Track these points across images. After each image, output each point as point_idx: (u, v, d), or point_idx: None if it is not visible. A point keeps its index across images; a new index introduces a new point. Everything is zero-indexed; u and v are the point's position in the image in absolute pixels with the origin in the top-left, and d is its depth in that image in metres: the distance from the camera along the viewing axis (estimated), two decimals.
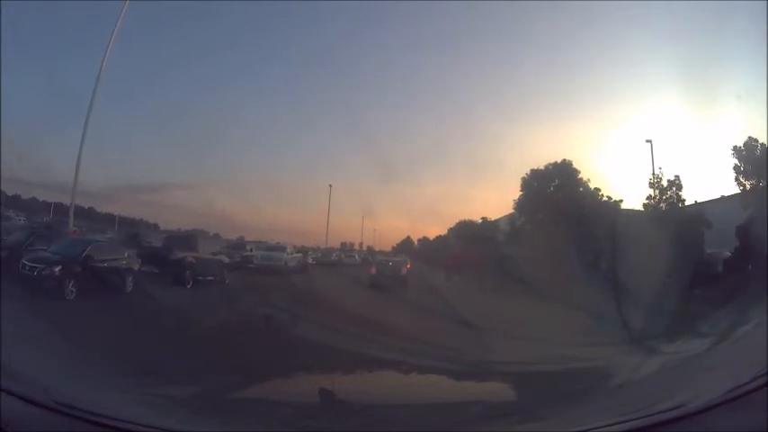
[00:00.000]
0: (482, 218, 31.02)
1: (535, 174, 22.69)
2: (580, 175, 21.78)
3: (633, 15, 32.73)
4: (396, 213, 70.95)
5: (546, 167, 22.42)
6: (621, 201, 20.22)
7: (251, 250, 24.00)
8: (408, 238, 49.03)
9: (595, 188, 20.76)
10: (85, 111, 16.82)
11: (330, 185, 38.93)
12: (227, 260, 16.47)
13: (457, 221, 36.31)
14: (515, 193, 22.74)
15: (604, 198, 20.42)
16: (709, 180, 30.65)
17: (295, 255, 24.65)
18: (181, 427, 1.76)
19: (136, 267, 11.49)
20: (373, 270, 19.37)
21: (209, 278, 14.19)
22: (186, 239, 16.80)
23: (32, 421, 1.53)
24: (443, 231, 41.04)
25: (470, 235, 30.54)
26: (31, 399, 1.60)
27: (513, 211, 24.18)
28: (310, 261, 27.84)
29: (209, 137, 47.19)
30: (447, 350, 6.36)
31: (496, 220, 29.50)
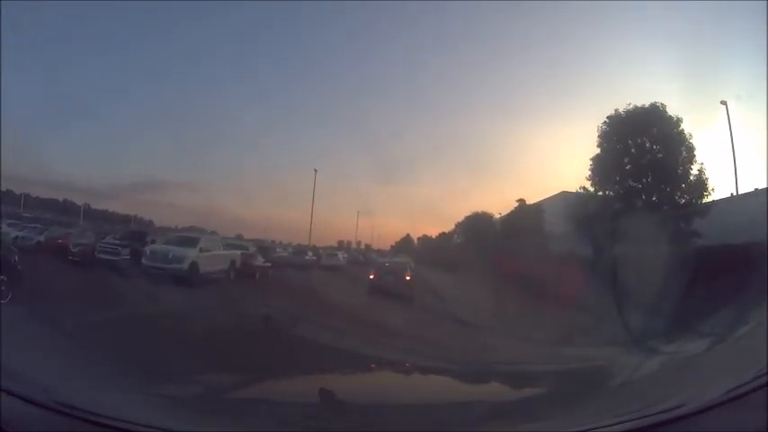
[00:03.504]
0: (518, 200, 24.62)
1: (617, 122, 15.90)
2: (681, 127, 15.49)
3: (633, 17, 32.70)
4: (394, 212, 71.16)
5: (627, 113, 15.80)
6: None
7: (151, 242, 16.84)
8: (408, 236, 47.75)
9: None
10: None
11: (315, 170, 34.59)
12: (13, 256, 9.79)
13: (465, 215, 32.53)
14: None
15: None
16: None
17: (222, 252, 16.83)
18: (180, 426, 1.76)
19: None
20: (373, 275, 17.38)
21: None
22: None
23: (32, 421, 1.53)
24: (445, 229, 39.21)
25: (494, 227, 25.81)
26: (31, 399, 1.60)
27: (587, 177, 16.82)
28: (261, 263, 20.00)
29: (209, 136, 47.42)
30: None
31: (540, 203, 23.25)
